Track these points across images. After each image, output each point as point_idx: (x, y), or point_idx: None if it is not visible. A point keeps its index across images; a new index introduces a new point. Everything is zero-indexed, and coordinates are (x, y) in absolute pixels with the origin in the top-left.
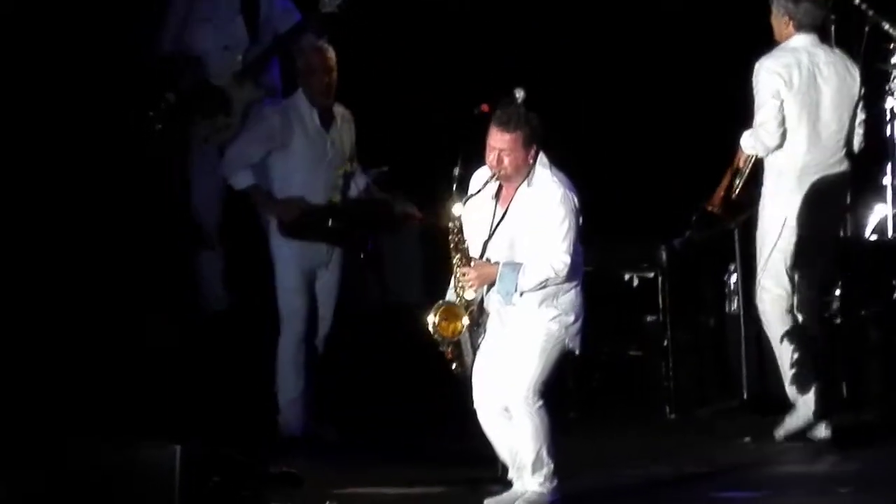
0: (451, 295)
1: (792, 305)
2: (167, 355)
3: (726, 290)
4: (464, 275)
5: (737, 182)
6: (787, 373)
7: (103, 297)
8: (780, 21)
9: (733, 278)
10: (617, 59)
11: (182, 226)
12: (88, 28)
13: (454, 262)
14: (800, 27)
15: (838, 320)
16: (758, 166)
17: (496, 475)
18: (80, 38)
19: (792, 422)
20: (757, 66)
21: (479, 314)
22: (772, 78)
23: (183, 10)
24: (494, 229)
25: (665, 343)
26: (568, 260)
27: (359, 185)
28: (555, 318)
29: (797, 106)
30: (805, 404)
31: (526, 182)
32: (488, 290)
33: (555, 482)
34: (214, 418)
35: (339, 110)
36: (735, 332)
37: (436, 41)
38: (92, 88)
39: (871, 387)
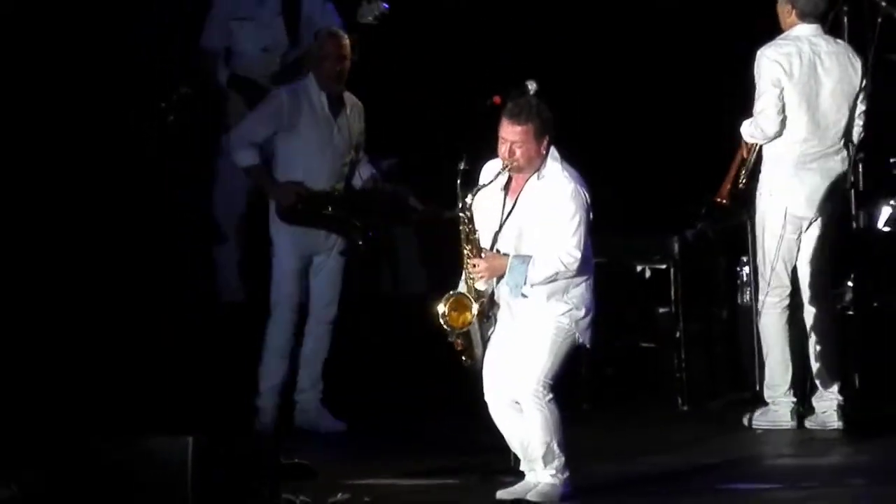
0: (461, 286)
1: (794, 301)
2: (182, 347)
3: (739, 282)
4: (474, 266)
5: (743, 173)
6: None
7: (116, 291)
8: (783, 10)
9: (746, 270)
10: (630, 48)
11: (189, 218)
12: (88, 28)
13: (465, 253)
14: (802, 16)
15: (851, 312)
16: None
17: (509, 466)
18: (80, 38)
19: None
20: (758, 54)
21: (489, 306)
22: (772, 66)
23: (227, 7)
24: (504, 221)
25: (677, 335)
26: (578, 255)
27: (364, 174)
28: (565, 312)
29: (797, 95)
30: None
31: (536, 174)
32: (498, 281)
33: (567, 473)
34: (227, 410)
35: (350, 99)
36: (747, 324)
37: (439, 36)
38: (93, 88)
39: (884, 378)
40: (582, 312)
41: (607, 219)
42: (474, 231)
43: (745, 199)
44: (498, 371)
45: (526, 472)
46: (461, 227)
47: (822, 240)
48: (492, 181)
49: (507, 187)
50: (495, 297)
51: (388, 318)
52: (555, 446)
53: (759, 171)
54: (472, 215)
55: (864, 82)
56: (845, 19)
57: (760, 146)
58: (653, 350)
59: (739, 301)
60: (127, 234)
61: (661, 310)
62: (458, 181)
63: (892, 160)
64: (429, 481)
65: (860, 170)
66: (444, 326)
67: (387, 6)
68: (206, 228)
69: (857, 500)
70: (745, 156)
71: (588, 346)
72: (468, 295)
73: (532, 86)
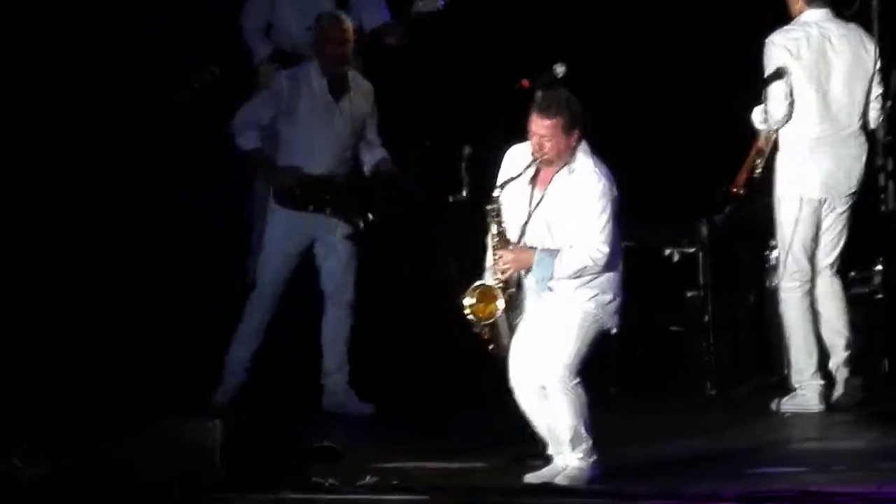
0: (487, 276)
1: (813, 285)
2: (210, 330)
3: (766, 266)
4: (501, 258)
5: (759, 162)
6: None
7: (116, 291)
8: None
9: (773, 254)
10: (659, 31)
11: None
12: (89, 28)
13: (492, 244)
14: (809, 1)
15: (880, 295)
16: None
17: (536, 450)
18: (80, 38)
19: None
20: (767, 41)
21: (516, 295)
22: (779, 52)
23: None
24: (532, 213)
25: (705, 319)
26: (606, 250)
27: (371, 159)
28: (591, 297)
29: (806, 79)
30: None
31: (566, 168)
32: (525, 273)
33: (594, 457)
34: (256, 393)
35: (357, 82)
36: (775, 309)
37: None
38: (93, 88)
39: None
40: (608, 297)
41: (635, 203)
42: (502, 223)
43: (762, 188)
44: (524, 356)
45: (554, 456)
46: (489, 220)
47: (840, 224)
48: (520, 174)
49: (534, 179)
50: (522, 287)
51: (413, 306)
52: (581, 430)
53: (776, 158)
54: (499, 208)
55: (879, 63)
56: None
57: (777, 135)
58: (681, 334)
59: (767, 285)
60: (127, 234)
61: (689, 294)
62: (464, 166)
63: None
64: (456, 465)
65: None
66: (471, 318)
67: (442, 2)
68: (206, 228)
69: (883, 483)
70: (761, 145)
71: (615, 330)
72: (494, 286)
73: (560, 69)
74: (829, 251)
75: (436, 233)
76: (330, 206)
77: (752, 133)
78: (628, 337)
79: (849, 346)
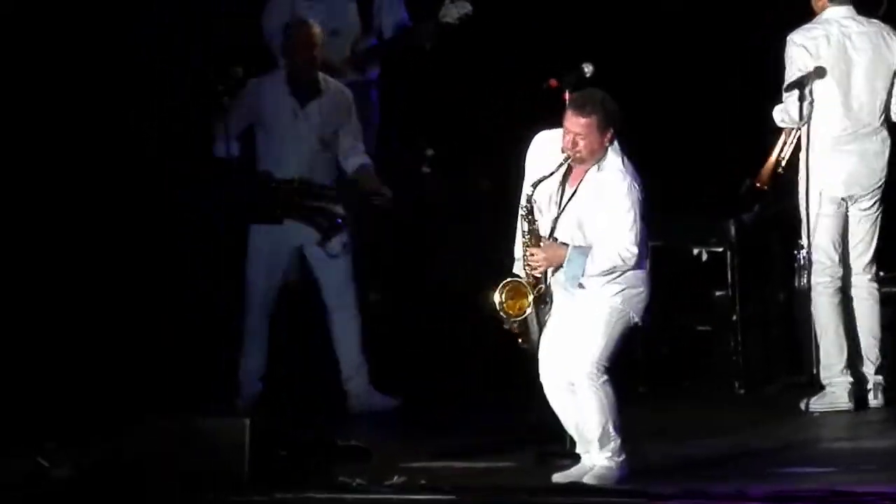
0: (518, 271)
1: (842, 279)
2: (232, 329)
3: (795, 265)
4: (532, 255)
5: (783, 158)
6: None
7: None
8: None
9: (802, 253)
10: (688, 30)
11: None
12: (89, 28)
13: (524, 241)
14: None
15: None
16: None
17: (564, 449)
18: (80, 38)
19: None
20: (788, 39)
21: (545, 291)
22: (798, 51)
23: None
24: (562, 210)
25: (734, 318)
26: (636, 250)
27: (349, 167)
28: (619, 292)
29: (826, 78)
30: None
31: (597, 166)
32: (555, 271)
33: (623, 456)
34: (283, 392)
35: (330, 87)
36: (804, 308)
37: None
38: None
39: None
40: (635, 291)
41: (663, 202)
42: (534, 221)
43: (789, 189)
44: (553, 353)
45: (582, 455)
46: (520, 217)
47: (869, 222)
48: (552, 173)
49: (565, 176)
50: (551, 283)
51: (439, 304)
52: (610, 428)
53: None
54: (532, 207)
55: None
56: None
57: (800, 132)
58: (709, 333)
59: (796, 284)
60: (127, 234)
61: (718, 293)
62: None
63: None
64: (484, 464)
65: None
66: (501, 314)
67: (471, 8)
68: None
69: None
70: (785, 140)
71: (642, 324)
72: (525, 282)
73: (588, 68)
74: (861, 251)
75: (456, 231)
76: (299, 213)
77: (778, 130)
78: (656, 336)
79: (881, 347)
